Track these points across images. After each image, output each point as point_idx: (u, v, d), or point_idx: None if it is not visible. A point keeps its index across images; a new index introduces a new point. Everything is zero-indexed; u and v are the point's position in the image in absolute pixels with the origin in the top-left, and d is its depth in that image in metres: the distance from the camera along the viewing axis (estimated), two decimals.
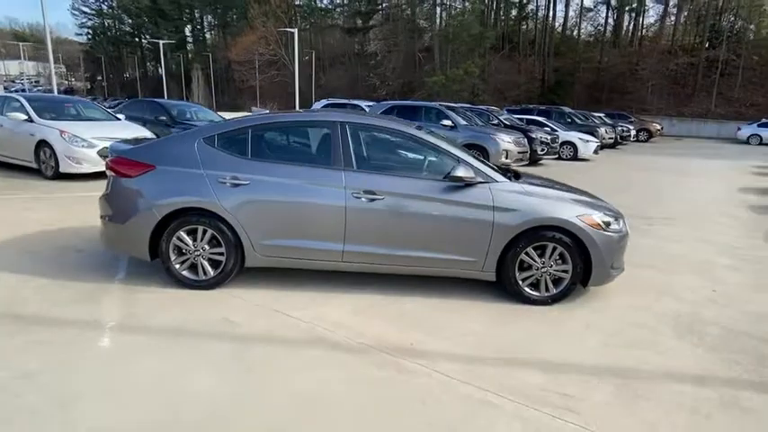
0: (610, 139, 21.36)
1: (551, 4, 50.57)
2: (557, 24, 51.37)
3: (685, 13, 44.33)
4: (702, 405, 2.68)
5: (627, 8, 46.49)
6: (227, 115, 16.12)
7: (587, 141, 16.47)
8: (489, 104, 27.13)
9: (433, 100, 41.31)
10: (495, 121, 14.94)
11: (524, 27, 53.13)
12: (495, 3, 52.81)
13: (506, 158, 11.42)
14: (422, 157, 4.06)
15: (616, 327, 3.65)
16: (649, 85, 38.26)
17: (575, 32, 51.00)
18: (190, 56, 74.70)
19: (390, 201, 3.77)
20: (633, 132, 25.69)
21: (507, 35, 52.67)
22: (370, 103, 19.34)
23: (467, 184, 3.79)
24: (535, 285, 3.92)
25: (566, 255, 3.84)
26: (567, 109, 22.96)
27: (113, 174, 3.94)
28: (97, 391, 2.58)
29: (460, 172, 3.73)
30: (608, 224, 3.89)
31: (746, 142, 27.28)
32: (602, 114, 26.27)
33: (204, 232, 3.84)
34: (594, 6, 50.76)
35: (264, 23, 57.81)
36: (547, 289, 3.92)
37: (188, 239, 3.85)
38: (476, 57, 46.82)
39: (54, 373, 2.72)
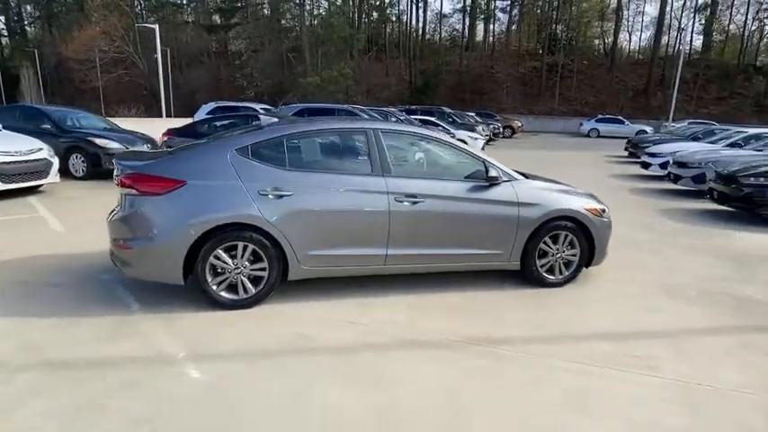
0: (486, 135, 23.47)
1: (412, 9, 53.47)
2: (420, 29, 54.42)
3: (523, 23, 50.13)
4: (732, 349, 3.37)
5: (479, 16, 51.04)
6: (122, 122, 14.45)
7: (476, 138, 18.00)
8: (361, 105, 27.84)
9: (308, 101, 41.12)
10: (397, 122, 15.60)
11: (389, 30, 55.35)
12: (359, 4, 54.14)
13: None
14: (449, 160, 4.31)
15: (623, 298, 4.29)
16: (504, 86, 42.60)
17: (435, 37, 54.55)
18: (6, 52, 64.10)
19: (430, 203, 3.97)
20: (501, 129, 28.54)
21: (373, 37, 54.45)
22: (265, 107, 18.78)
23: (493, 184, 4.14)
24: (550, 270, 4.42)
25: (575, 241, 4.40)
26: (447, 109, 24.79)
27: (134, 192, 3.53)
28: (240, 420, 2.42)
29: (494, 172, 4.08)
30: (604, 211, 4.54)
31: (587, 135, 31.95)
32: (473, 113, 28.76)
33: (245, 248, 3.65)
34: (451, 14, 54.89)
35: (105, 17, 52.04)
36: (560, 272, 4.44)
37: (226, 257, 3.63)
38: (347, 58, 47.69)
39: (172, 410, 2.47)
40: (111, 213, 3.93)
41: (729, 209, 8.10)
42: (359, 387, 2.76)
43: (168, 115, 31.69)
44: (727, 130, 15.64)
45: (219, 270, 3.64)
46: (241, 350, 3.15)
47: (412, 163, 4.29)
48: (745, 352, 3.34)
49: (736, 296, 4.38)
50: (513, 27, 51.30)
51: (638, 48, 47.31)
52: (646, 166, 13.42)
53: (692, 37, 35.79)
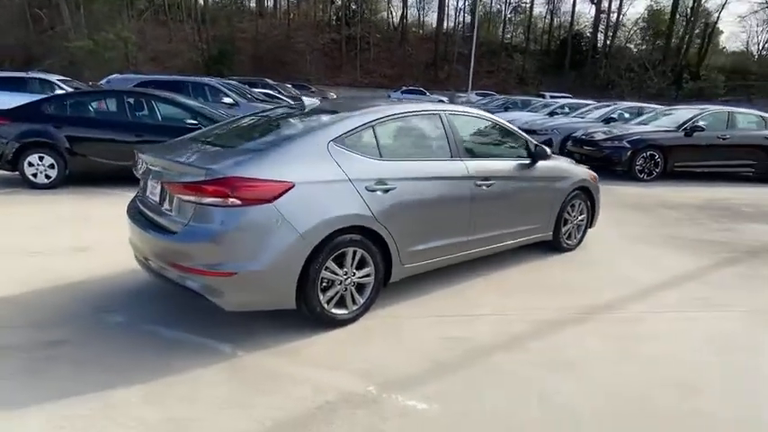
0: None
1: None
2: None
3: None
4: (746, 279, 4.35)
5: None
6: None
7: None
8: (148, 74, 24.44)
9: (79, 70, 34.62)
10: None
11: None
12: None
13: None
14: (502, 140, 4.33)
15: (623, 253, 5.02)
16: (307, 57, 42.43)
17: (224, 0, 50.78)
18: None
19: (498, 184, 3.98)
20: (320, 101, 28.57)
21: None
22: (63, 78, 15.15)
23: (534, 161, 4.34)
24: (569, 236, 4.88)
25: (584, 207, 4.93)
26: (270, 81, 23.70)
27: (234, 201, 2.69)
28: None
29: (549, 150, 4.28)
30: (596, 177, 5.16)
31: None
32: (290, 85, 28.11)
33: (354, 254, 3.15)
34: None
35: None
36: (575, 237, 4.95)
37: (336, 267, 3.09)
38: (124, 19, 41.18)
39: None
40: (157, 227, 2.96)
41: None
42: (584, 376, 2.75)
43: None
44: (533, 101, 18.66)
45: (326, 284, 3.08)
46: (419, 368, 2.77)
47: (477, 145, 4.18)
48: (759, 281, 4.33)
49: (689, 238, 5.55)
50: None
51: (422, 23, 51.86)
52: None
53: (464, 17, 41.17)
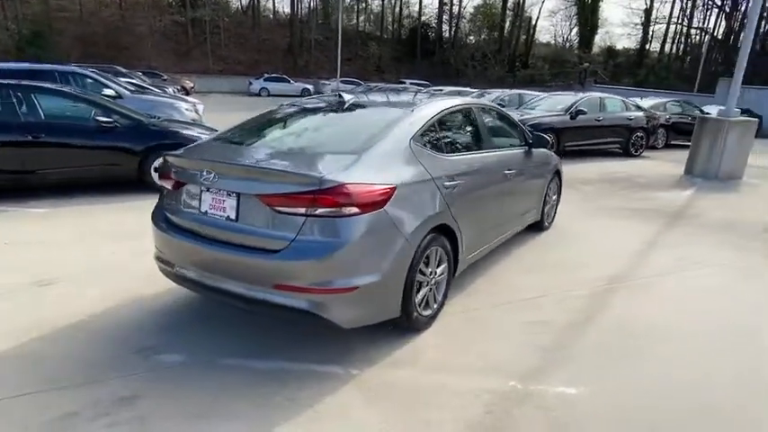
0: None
1: None
2: None
3: None
4: (695, 238, 5.17)
5: None
6: None
7: (197, 104, 16.32)
8: None
9: None
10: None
11: None
12: None
13: None
14: (508, 130, 4.48)
15: (592, 225, 5.63)
16: (149, 41, 38.23)
17: None
18: None
19: (516, 172, 4.18)
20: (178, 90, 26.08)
21: None
22: None
23: (531, 148, 4.64)
24: (547, 216, 5.31)
25: (556, 188, 5.41)
26: (123, 69, 21.06)
27: (351, 210, 2.43)
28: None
29: (549, 137, 4.58)
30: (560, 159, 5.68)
31: (258, 95, 32.67)
32: (140, 72, 25.19)
33: (436, 253, 3.10)
34: None
35: None
36: (551, 216, 5.41)
37: (425, 268, 3.01)
38: None
39: None
40: (235, 246, 2.57)
41: None
42: (680, 340, 3.11)
43: None
44: (409, 88, 19.37)
45: (417, 286, 2.98)
46: (532, 356, 2.86)
47: (496, 136, 4.27)
48: (705, 238, 5.20)
49: (626, 209, 6.43)
50: None
51: (273, 8, 49.76)
52: None
53: (317, 3, 40.68)
